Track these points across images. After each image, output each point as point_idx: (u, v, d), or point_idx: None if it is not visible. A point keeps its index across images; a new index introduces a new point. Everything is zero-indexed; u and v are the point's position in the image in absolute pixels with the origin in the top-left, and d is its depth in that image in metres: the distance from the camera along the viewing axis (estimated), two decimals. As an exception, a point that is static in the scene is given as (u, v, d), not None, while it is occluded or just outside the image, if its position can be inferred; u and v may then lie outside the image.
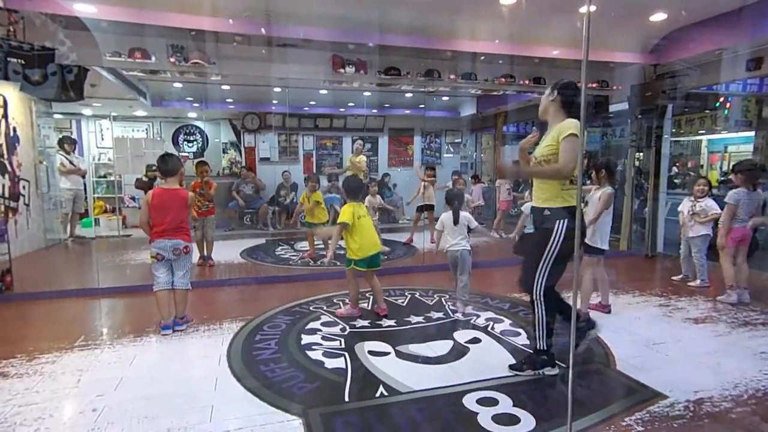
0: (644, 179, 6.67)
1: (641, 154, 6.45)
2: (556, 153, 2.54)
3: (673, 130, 7.36)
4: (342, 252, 3.90)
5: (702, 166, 10.40)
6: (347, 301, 3.90)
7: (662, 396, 2.49)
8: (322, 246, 6.09)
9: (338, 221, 3.68)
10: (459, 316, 3.79)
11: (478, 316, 3.76)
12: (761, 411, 2.36)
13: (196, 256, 5.32)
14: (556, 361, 2.74)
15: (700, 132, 9.39)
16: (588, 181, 3.89)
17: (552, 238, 2.56)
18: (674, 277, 4.95)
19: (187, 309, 3.51)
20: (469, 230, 3.92)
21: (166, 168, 3.41)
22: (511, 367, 2.79)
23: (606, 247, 3.68)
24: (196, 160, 5.62)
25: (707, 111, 8.37)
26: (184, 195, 3.43)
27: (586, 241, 3.41)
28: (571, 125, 2.51)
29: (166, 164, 3.41)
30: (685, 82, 5.64)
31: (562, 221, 2.55)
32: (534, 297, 2.67)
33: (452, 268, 3.92)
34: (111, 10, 4.07)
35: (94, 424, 2.20)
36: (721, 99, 7.80)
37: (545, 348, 2.71)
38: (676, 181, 9.62)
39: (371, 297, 4.02)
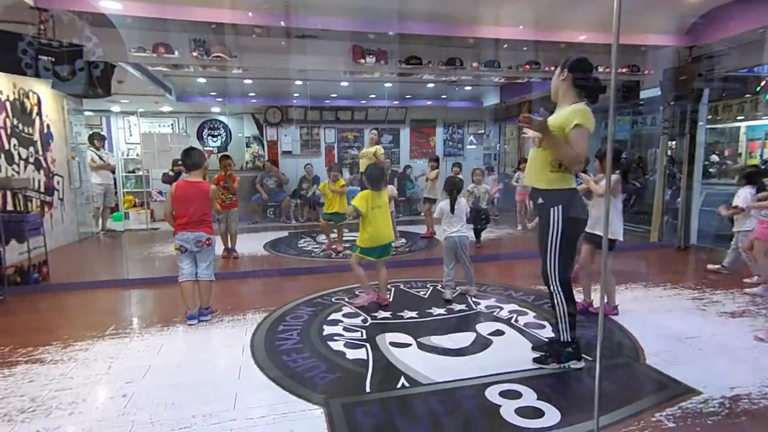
0: (677, 168, 6.40)
1: (674, 142, 6.19)
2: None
3: (709, 117, 7.01)
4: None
5: (740, 155, 9.92)
6: (358, 292, 3.92)
7: (695, 392, 2.39)
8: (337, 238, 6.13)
9: (352, 203, 3.74)
10: (448, 296, 3.89)
11: (502, 308, 3.70)
12: (804, 409, 2.24)
13: (220, 248, 5.43)
14: (583, 355, 2.67)
15: (738, 118, 8.94)
16: (592, 173, 3.71)
17: (551, 227, 2.50)
18: (710, 266, 4.74)
19: (212, 300, 3.58)
20: (468, 219, 4.01)
21: (189, 162, 3.47)
22: (535, 360, 2.73)
23: (618, 237, 3.42)
24: (219, 154, 5.70)
25: (747, 96, 7.95)
26: (206, 188, 3.48)
27: (588, 230, 3.18)
28: (577, 114, 2.39)
29: (189, 158, 3.47)
30: (724, 64, 5.36)
31: (556, 208, 2.48)
32: (551, 288, 2.60)
33: (446, 256, 3.94)
34: (135, 6, 4.16)
35: (124, 410, 2.27)
36: (763, 83, 7.38)
37: (569, 340, 2.63)
38: (711, 170, 9.22)
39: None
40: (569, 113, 2.42)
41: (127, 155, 9.07)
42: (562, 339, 2.65)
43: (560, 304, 2.59)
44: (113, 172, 7.66)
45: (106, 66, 4.31)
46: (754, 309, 3.64)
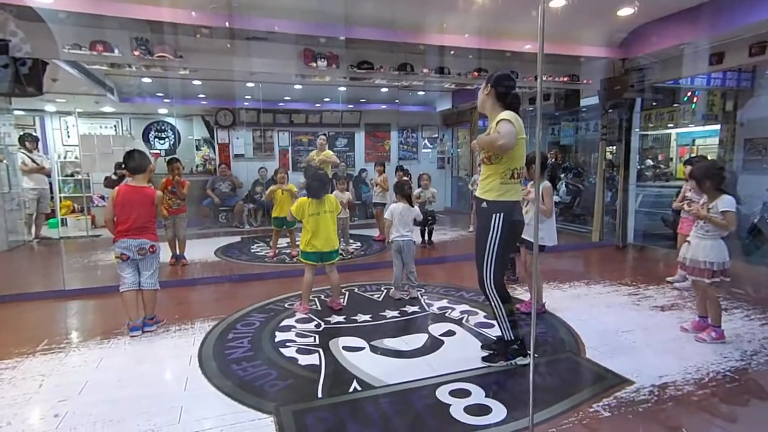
0: (615, 172, 6.83)
1: (614, 147, 6.60)
2: None
3: (642, 124, 7.54)
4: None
5: (672, 159, 10.73)
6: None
7: (629, 382, 2.55)
8: (285, 245, 6.08)
9: (290, 208, 3.82)
10: (397, 296, 4.05)
11: (453, 309, 3.79)
12: (720, 393, 2.45)
13: (167, 255, 5.20)
14: (528, 351, 2.79)
15: (669, 126, 9.66)
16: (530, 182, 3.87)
17: (490, 233, 2.61)
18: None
19: (157, 309, 3.42)
20: (415, 222, 4.15)
21: (132, 164, 3.30)
22: (484, 359, 2.82)
23: (550, 243, 3.63)
24: (167, 158, 5.45)
25: (676, 105, 8.61)
26: (151, 193, 3.32)
27: (524, 236, 3.36)
28: (504, 114, 2.54)
29: (133, 161, 3.30)
30: (650, 76, 5.79)
31: (498, 215, 2.60)
32: (486, 291, 2.71)
33: (395, 258, 4.05)
34: (67, 1, 3.90)
35: (56, 430, 2.13)
36: (689, 93, 8.03)
37: (513, 338, 2.75)
38: (647, 173, 9.90)
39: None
40: (496, 122, 2.56)
41: (65, 158, 8.50)
42: (505, 338, 2.76)
43: (497, 306, 2.70)
44: (48, 175, 7.14)
45: (35, 63, 4.01)
46: (681, 302, 3.94)
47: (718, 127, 8.04)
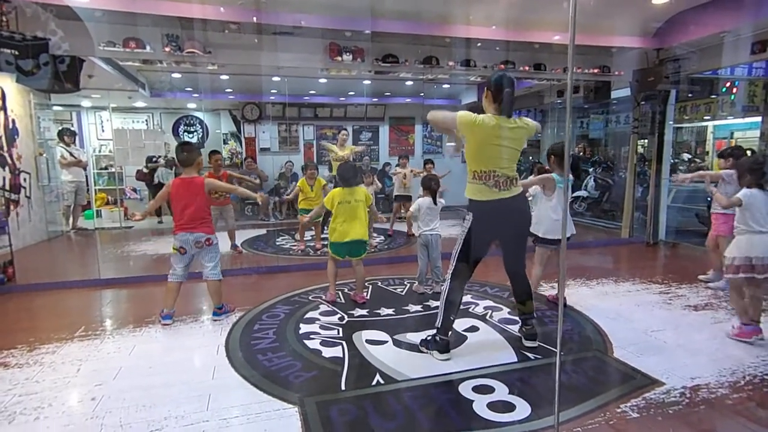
0: (647, 166, 6.61)
1: (645, 141, 6.38)
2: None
3: (677, 117, 7.25)
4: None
5: (708, 153, 10.28)
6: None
7: (659, 383, 2.49)
8: (309, 238, 6.12)
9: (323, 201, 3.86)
10: (421, 290, 4.06)
11: (477, 305, 3.76)
12: (757, 397, 2.35)
13: (226, 245, 5.34)
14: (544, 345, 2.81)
15: (705, 118, 9.27)
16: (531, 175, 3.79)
17: (461, 228, 2.73)
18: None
19: (184, 299, 3.53)
20: None
21: (182, 158, 3.36)
22: (420, 341, 2.94)
23: (547, 235, 3.48)
24: (209, 150, 5.61)
25: (714, 96, 8.25)
26: (200, 181, 3.35)
27: (531, 230, 3.35)
28: (471, 112, 2.63)
29: (182, 154, 3.36)
30: (687, 67, 5.55)
31: (468, 214, 2.71)
32: (445, 276, 2.84)
33: (420, 253, 4.02)
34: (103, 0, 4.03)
35: (93, 413, 2.23)
36: (728, 84, 7.67)
37: (438, 327, 2.80)
38: (681, 168, 9.53)
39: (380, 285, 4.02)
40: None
41: (100, 152, 8.82)
42: (436, 325, 2.83)
43: (443, 293, 2.79)
44: (85, 168, 7.44)
45: (74, 60, 4.17)
46: (715, 302, 3.80)
47: (759, 119, 7.65)
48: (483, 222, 2.69)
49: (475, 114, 2.62)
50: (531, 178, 3.76)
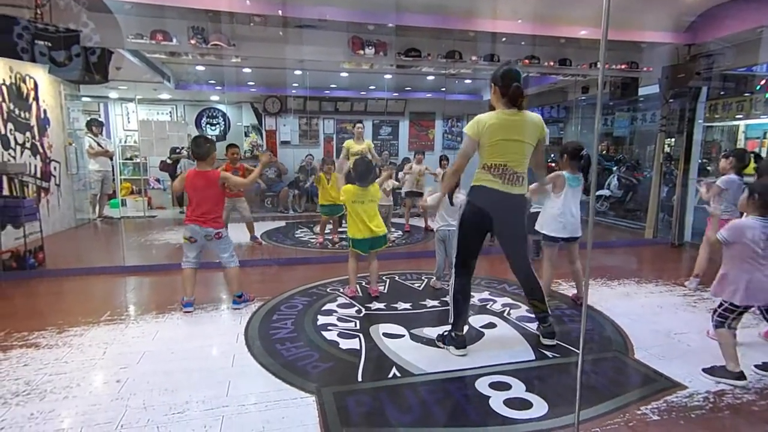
0: (674, 166, 6.42)
1: (672, 139, 6.20)
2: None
3: (707, 115, 7.01)
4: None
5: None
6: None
7: (681, 386, 2.43)
8: (327, 231, 6.15)
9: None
10: (438, 285, 4.04)
11: (495, 302, 3.74)
12: (786, 405, 2.28)
13: (238, 235, 5.39)
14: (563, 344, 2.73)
15: (737, 117, 8.94)
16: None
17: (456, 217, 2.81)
18: None
19: (205, 288, 3.62)
20: None
21: (197, 151, 3.40)
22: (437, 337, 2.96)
23: (552, 233, 3.42)
24: (226, 143, 5.64)
25: (747, 94, 7.95)
26: (215, 175, 3.41)
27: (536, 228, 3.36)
28: (473, 121, 2.63)
29: (198, 147, 3.40)
30: (721, 63, 5.36)
31: (467, 200, 2.77)
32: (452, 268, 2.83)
33: (438, 248, 3.99)
34: (132, -8, 4.11)
35: (118, 394, 2.30)
36: (763, 81, 7.38)
37: (452, 325, 2.80)
38: (708, 168, 9.23)
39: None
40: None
41: (125, 142, 9.03)
42: (449, 321, 2.83)
43: (450, 285, 2.79)
44: (111, 158, 7.64)
45: (103, 52, 4.27)
46: (743, 306, 3.68)
47: (795, 119, 7.35)
48: (477, 208, 2.70)
49: (477, 117, 2.61)
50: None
